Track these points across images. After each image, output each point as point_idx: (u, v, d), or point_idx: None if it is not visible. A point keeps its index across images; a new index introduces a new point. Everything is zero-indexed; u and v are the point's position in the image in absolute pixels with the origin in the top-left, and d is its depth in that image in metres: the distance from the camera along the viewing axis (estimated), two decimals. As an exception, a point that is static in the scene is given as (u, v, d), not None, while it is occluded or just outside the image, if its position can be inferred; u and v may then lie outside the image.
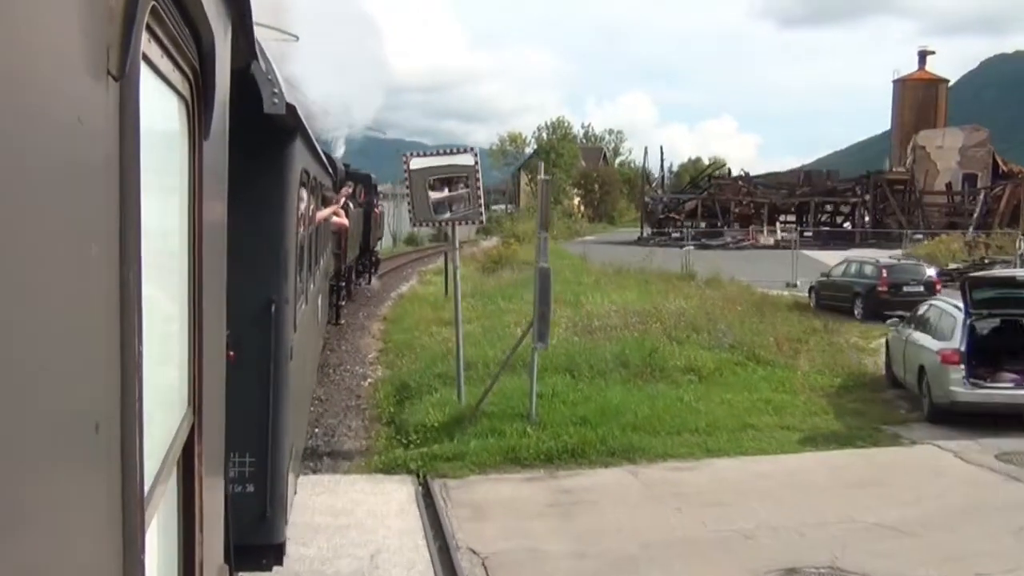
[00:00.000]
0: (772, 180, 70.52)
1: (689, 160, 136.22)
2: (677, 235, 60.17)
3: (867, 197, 65.04)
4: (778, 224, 60.05)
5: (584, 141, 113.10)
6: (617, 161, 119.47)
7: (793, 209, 66.15)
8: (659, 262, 30.60)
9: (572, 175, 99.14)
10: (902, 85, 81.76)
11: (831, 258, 33.23)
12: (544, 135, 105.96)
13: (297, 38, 6.55)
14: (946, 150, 68.63)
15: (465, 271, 28.78)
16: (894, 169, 69.80)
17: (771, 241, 53.96)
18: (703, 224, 63.67)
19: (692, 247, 47.68)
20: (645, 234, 63.98)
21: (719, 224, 62.54)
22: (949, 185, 66.22)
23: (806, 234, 57.59)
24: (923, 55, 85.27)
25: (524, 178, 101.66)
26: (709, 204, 65.31)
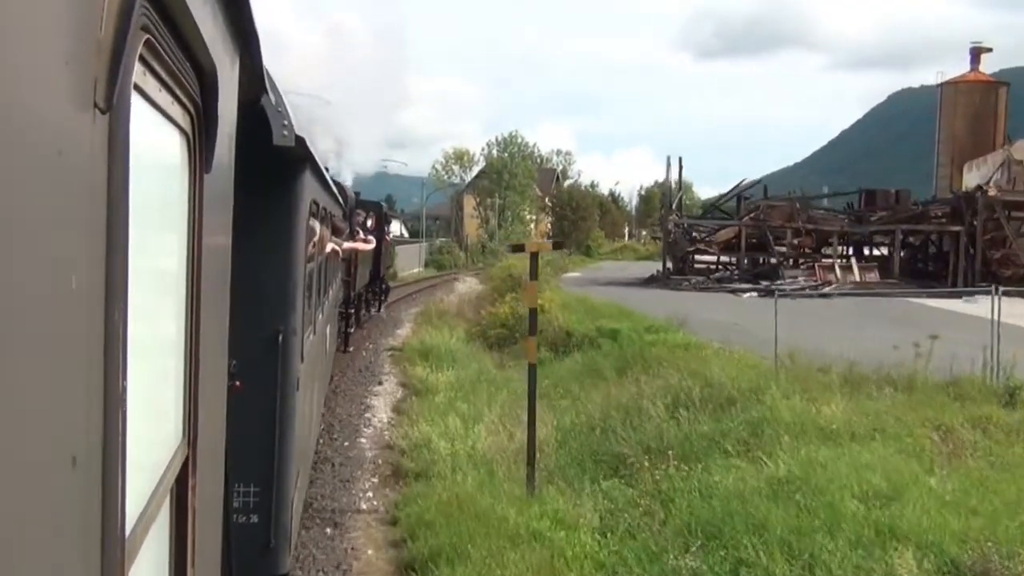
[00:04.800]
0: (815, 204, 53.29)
1: (656, 183, 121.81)
2: (717, 273, 47.29)
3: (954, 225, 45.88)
4: (853, 261, 46.13)
5: (532, 162, 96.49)
6: (566, 184, 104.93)
7: (856, 239, 49.32)
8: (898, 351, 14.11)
9: (529, 197, 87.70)
10: (953, 89, 65.57)
11: (976, 310, 20.31)
12: (494, 152, 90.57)
13: (330, 103, 6.57)
14: (1050, 166, 53.95)
15: (450, 339, 19.93)
16: (986, 187, 48.50)
17: (848, 283, 41.06)
18: (733, 259, 49.03)
19: (755, 293, 37.38)
20: (657, 271, 49.54)
21: (766, 259, 47.15)
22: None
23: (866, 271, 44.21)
24: (976, 52, 66.62)
25: (471, 202, 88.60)
26: (754, 233, 47.47)
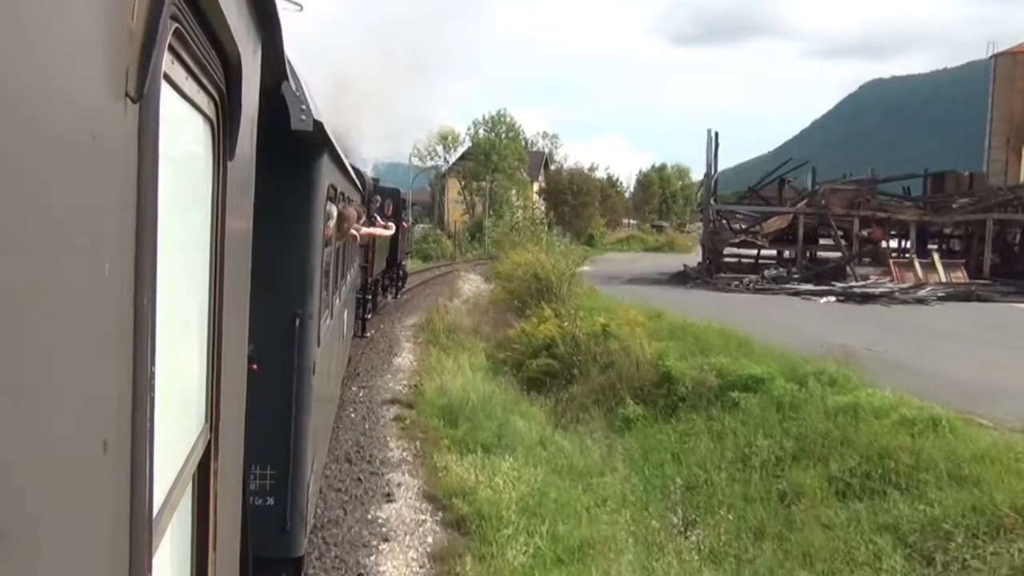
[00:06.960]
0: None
1: (653, 167, 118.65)
2: (772, 271, 38.38)
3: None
4: (936, 257, 38.41)
5: (520, 144, 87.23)
6: (560, 167, 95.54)
7: (934, 230, 42.39)
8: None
9: (518, 180, 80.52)
10: (1011, 61, 54.45)
11: None
12: (481, 132, 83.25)
13: (301, 7, 6.40)
14: None
15: (477, 378, 14.52)
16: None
17: (934, 284, 34.42)
18: (775, 253, 41.45)
19: (831, 298, 30.52)
20: (685, 265, 42.83)
21: (813, 252, 40.61)
22: None
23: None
24: (1040, 17, 57.37)
25: (455, 185, 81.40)
26: (813, 223, 39.67)
